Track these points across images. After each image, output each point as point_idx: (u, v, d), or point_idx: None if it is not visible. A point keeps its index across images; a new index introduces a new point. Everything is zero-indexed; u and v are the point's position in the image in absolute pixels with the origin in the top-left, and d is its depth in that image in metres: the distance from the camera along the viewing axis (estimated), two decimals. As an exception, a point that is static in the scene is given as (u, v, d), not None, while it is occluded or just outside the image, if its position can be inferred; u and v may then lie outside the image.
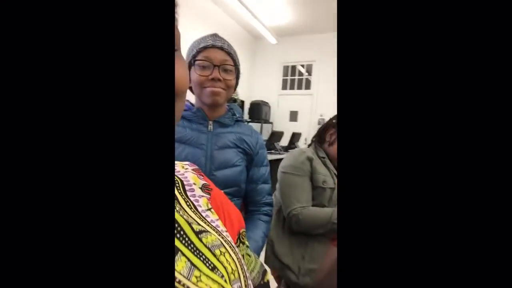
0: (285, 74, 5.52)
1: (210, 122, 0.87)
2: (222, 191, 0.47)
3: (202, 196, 0.39)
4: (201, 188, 0.41)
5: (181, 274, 0.26)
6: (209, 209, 0.38)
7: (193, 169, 0.44)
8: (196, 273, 0.27)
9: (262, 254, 0.98)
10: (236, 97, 3.94)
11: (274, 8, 3.54)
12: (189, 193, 0.38)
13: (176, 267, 0.26)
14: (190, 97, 0.93)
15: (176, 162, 0.43)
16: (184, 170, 0.42)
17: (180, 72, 0.28)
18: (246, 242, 0.44)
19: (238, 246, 0.41)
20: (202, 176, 0.44)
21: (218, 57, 0.82)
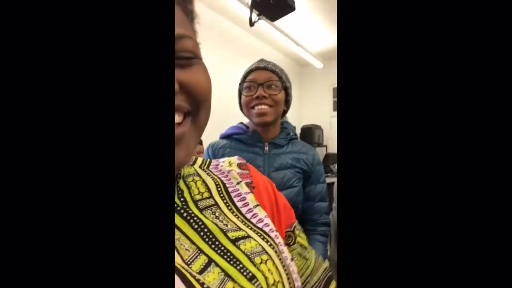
0: (336, 96, 5.44)
1: (266, 144, 0.90)
2: None
3: (249, 192, 0.37)
4: (246, 184, 0.38)
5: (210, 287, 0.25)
6: (257, 206, 0.36)
7: (238, 164, 0.41)
8: (229, 285, 0.26)
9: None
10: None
11: (316, 34, 3.60)
12: (232, 194, 0.36)
13: (205, 279, 0.26)
14: (246, 119, 0.98)
15: (223, 159, 0.42)
16: (228, 169, 0.40)
17: (201, 77, 0.29)
18: (302, 241, 0.39)
19: (291, 245, 0.37)
20: (247, 170, 0.41)
21: (262, 76, 0.87)
